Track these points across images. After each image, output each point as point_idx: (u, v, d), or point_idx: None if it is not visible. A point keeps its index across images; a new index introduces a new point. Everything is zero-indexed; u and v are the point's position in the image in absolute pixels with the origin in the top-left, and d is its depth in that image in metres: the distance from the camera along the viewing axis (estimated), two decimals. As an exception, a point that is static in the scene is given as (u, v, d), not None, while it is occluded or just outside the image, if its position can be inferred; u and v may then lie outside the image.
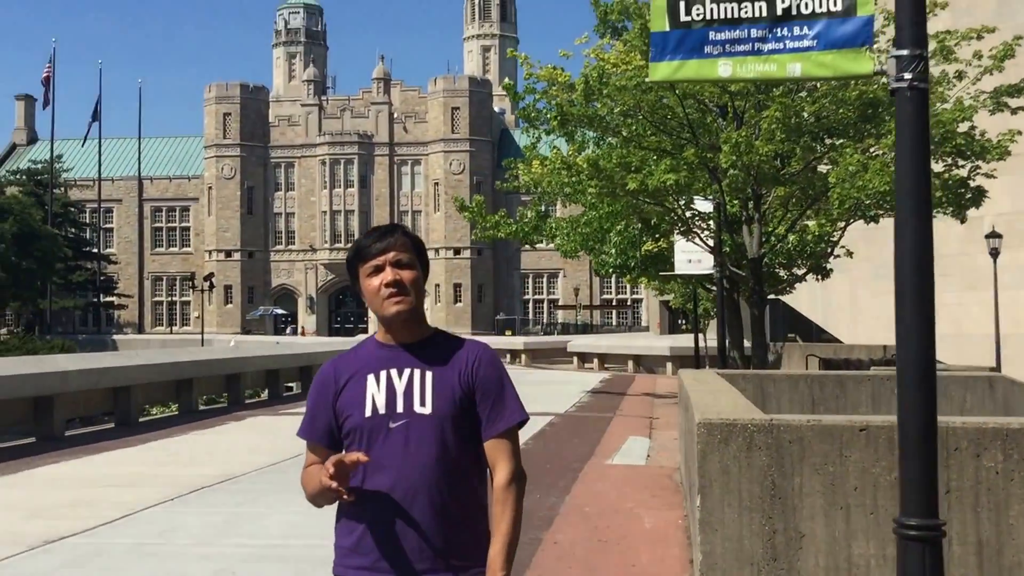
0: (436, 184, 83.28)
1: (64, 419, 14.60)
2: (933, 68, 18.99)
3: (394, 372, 2.80)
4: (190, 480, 10.48)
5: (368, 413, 2.77)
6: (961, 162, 18.88)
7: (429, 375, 2.79)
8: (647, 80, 14.06)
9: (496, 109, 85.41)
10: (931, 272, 3.24)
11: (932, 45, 18.70)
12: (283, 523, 8.31)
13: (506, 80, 24.34)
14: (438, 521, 2.73)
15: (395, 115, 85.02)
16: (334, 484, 2.62)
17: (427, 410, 2.75)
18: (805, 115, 18.45)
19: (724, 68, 3.54)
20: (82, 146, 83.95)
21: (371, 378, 2.80)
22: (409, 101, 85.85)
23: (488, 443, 2.80)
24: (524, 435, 12.34)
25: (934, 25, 19.26)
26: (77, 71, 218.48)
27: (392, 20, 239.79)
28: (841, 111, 18.24)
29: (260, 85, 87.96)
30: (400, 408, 2.76)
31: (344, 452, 2.78)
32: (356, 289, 2.90)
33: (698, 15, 3.56)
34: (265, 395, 23.21)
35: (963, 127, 18.41)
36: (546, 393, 24.13)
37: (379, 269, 2.81)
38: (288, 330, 79.10)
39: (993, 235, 25.90)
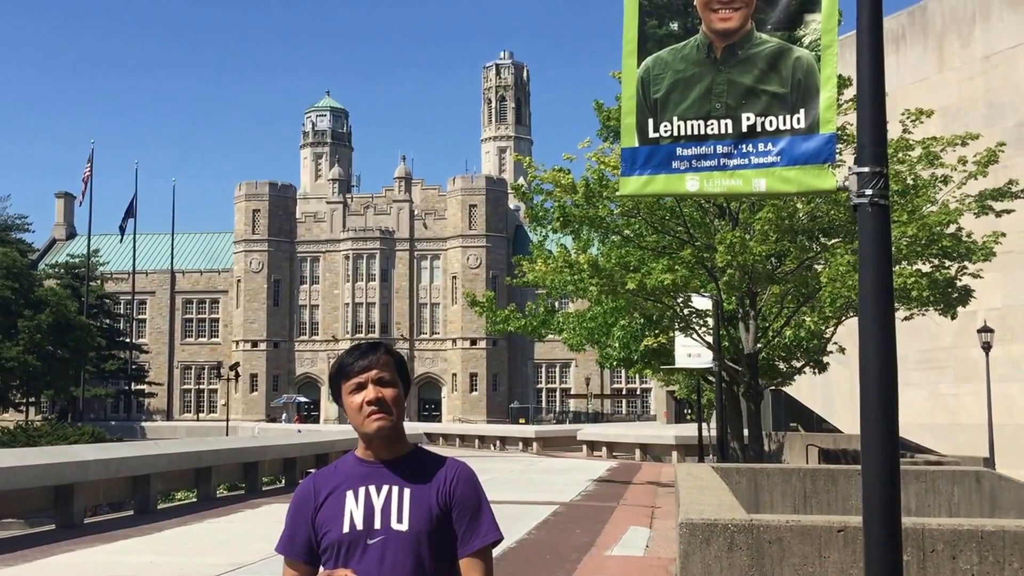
0: (454, 278, 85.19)
1: (83, 507, 14.78)
2: (921, 172, 19.53)
3: (372, 488, 2.83)
4: (198, 570, 10.49)
5: (346, 529, 2.80)
6: (948, 263, 19.19)
7: (407, 492, 2.82)
8: (617, 194, 14.85)
9: (511, 206, 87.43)
10: (894, 381, 3.18)
11: (917, 151, 19.00)
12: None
13: (519, 180, 25.36)
14: None
15: (416, 212, 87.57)
16: None
17: (404, 527, 2.78)
18: (800, 215, 18.81)
19: (691, 183, 3.60)
20: (120, 242, 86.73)
21: (350, 494, 2.83)
22: (429, 199, 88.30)
23: (462, 561, 2.84)
24: (528, 524, 12.88)
25: (923, 130, 19.88)
26: (114, 169, 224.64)
27: (414, 122, 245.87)
28: (832, 212, 18.57)
29: (288, 183, 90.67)
30: (378, 525, 2.79)
31: (322, 568, 2.85)
32: (338, 405, 2.93)
33: (666, 132, 3.64)
34: (283, 482, 23.53)
35: (950, 228, 18.68)
36: (553, 481, 24.25)
37: (361, 387, 2.84)
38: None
39: (985, 329, 26.38)
